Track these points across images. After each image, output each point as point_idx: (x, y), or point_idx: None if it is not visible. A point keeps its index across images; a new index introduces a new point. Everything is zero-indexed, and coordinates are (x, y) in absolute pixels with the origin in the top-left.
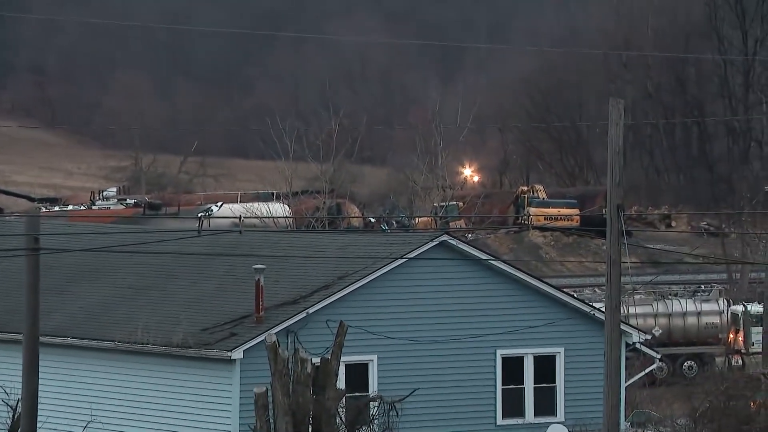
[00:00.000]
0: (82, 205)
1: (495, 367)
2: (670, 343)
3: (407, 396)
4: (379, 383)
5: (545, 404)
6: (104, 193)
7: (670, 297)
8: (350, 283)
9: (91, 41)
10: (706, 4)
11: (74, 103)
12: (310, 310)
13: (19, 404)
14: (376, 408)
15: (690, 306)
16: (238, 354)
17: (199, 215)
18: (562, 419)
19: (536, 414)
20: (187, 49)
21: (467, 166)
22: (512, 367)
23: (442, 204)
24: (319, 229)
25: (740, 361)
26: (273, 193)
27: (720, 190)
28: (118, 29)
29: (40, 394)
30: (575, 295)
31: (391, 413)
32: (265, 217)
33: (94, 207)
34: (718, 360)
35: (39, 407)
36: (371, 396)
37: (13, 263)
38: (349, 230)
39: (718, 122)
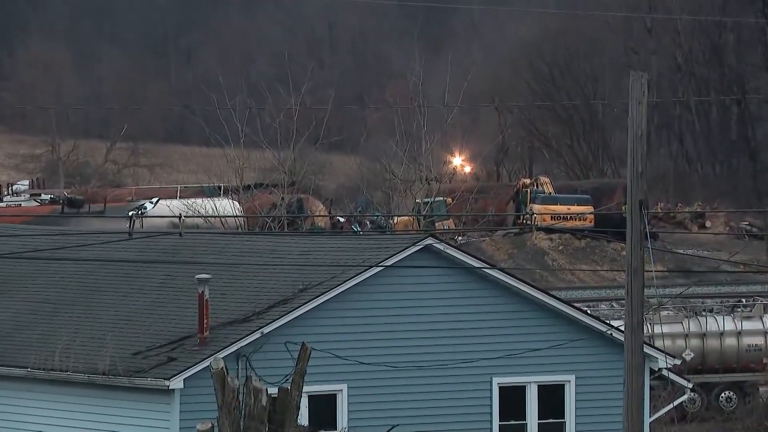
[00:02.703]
0: None
1: (491, 398)
2: (704, 370)
3: None
4: (349, 418)
5: None
6: (14, 188)
7: (704, 313)
8: (315, 296)
9: None
10: None
11: None
12: (266, 330)
13: None
14: None
15: (728, 324)
16: (177, 383)
17: (131, 214)
18: None
19: None
20: (114, 11)
21: (457, 154)
22: (512, 399)
23: (426, 200)
24: (277, 230)
25: None
26: (220, 187)
27: (764, 183)
28: None
29: None
30: (589, 312)
31: None
32: (211, 216)
33: (1, 204)
34: (762, 390)
35: None
36: None
37: None
38: (313, 232)
39: (762, 101)
